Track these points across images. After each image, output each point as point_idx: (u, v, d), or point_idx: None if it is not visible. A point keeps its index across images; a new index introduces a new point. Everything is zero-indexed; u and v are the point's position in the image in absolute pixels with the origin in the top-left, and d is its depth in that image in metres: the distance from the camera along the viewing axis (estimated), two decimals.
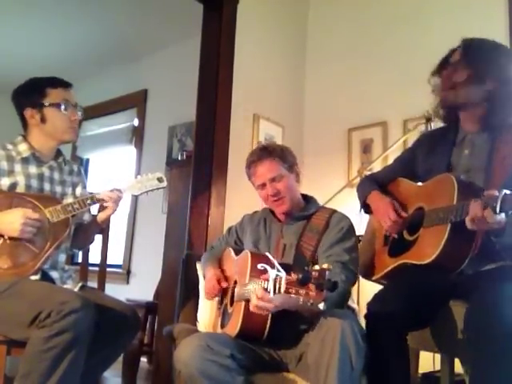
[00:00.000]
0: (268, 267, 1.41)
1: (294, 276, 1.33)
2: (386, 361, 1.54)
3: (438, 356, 1.89)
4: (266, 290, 1.41)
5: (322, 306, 1.30)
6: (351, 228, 1.82)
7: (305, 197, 1.97)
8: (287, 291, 1.32)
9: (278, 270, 1.38)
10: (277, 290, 1.36)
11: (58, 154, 1.97)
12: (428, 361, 2.06)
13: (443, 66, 1.72)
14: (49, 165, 1.90)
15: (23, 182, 1.79)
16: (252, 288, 1.53)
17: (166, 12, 3.93)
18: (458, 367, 1.80)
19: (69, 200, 1.87)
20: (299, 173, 1.95)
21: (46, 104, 1.85)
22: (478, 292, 1.45)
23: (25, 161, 1.84)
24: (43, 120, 1.86)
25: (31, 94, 1.88)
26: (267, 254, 1.54)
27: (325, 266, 1.31)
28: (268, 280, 1.39)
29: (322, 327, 1.46)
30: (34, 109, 1.86)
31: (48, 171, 1.89)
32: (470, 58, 1.65)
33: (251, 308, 1.50)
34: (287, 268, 1.40)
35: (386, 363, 1.54)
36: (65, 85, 1.92)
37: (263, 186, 1.87)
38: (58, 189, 1.92)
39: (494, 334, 1.33)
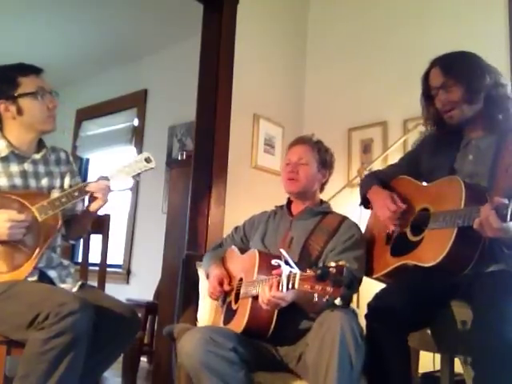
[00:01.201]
0: (282, 263, 1.42)
1: (310, 272, 1.34)
2: (386, 360, 1.54)
3: (438, 356, 1.89)
4: (278, 286, 1.42)
5: (338, 301, 1.31)
6: (362, 237, 1.87)
7: (320, 200, 2.03)
8: (301, 287, 1.33)
9: (292, 267, 1.39)
10: (290, 286, 1.37)
11: (41, 145, 1.87)
12: (428, 361, 2.06)
13: (429, 91, 1.74)
14: (31, 159, 1.81)
15: (6, 184, 1.72)
16: (262, 284, 1.55)
17: (165, 12, 3.93)
18: (458, 367, 1.80)
19: (56, 193, 1.78)
20: (326, 181, 2.02)
21: (21, 94, 1.74)
22: (482, 303, 1.46)
23: (5, 160, 1.75)
24: (20, 112, 1.76)
25: (2, 85, 1.76)
26: (281, 250, 1.54)
27: (341, 262, 1.32)
28: (280, 275, 1.41)
29: (322, 327, 1.47)
30: (8, 101, 1.75)
31: (31, 166, 1.81)
32: (457, 75, 1.67)
33: (263, 304, 1.52)
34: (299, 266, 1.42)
35: (386, 363, 1.54)
36: (36, 71, 1.81)
37: (289, 163, 1.95)
38: (44, 182, 1.83)
39: (498, 351, 1.33)
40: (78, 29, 4.31)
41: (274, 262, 1.46)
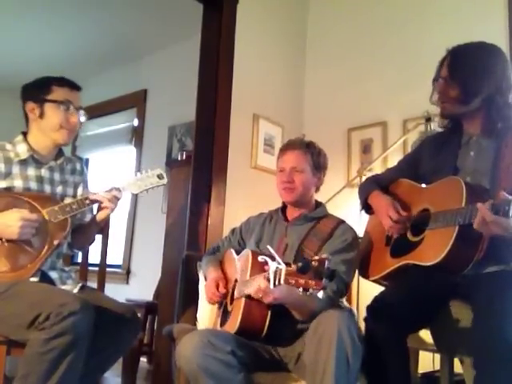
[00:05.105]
0: (268, 259, 1.42)
1: (293, 266, 1.34)
2: (386, 361, 1.53)
3: (437, 356, 1.89)
4: (267, 280, 1.42)
5: (320, 294, 1.32)
6: (355, 241, 1.83)
7: (315, 201, 1.99)
8: (287, 281, 1.34)
9: (279, 263, 1.39)
10: (277, 282, 1.37)
11: (59, 154, 1.93)
12: (428, 361, 2.06)
13: (438, 75, 1.74)
14: (48, 166, 1.87)
15: (21, 186, 1.76)
16: (254, 282, 1.55)
17: (165, 12, 3.93)
18: (458, 367, 1.80)
19: (68, 201, 1.82)
20: (322, 183, 1.98)
21: (48, 99, 1.82)
22: (481, 302, 1.45)
23: (23, 163, 1.80)
24: (42, 115, 1.82)
25: (37, 88, 1.85)
26: (268, 246, 1.54)
27: (324, 255, 1.32)
28: (268, 272, 1.40)
29: (319, 327, 1.46)
30: (36, 103, 1.82)
31: (48, 172, 1.86)
32: (457, 75, 1.67)
33: (256, 295, 1.52)
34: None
35: (385, 363, 1.53)
36: (72, 86, 1.88)
37: (283, 170, 1.91)
38: (59, 190, 1.89)
39: (498, 351, 1.33)
40: (78, 29, 4.31)
41: (260, 258, 1.46)
